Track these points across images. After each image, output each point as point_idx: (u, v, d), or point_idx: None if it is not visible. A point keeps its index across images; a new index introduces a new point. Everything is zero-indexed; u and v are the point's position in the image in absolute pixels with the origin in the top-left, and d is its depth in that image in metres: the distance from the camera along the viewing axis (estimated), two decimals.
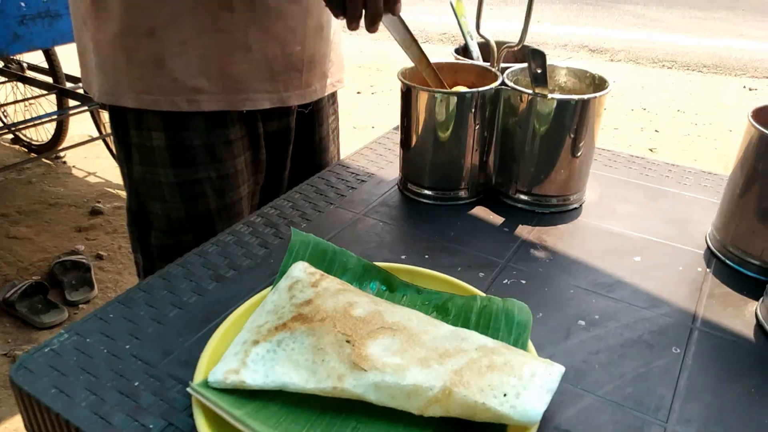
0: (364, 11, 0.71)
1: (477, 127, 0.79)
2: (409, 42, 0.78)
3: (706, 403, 0.52)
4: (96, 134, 2.65)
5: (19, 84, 2.71)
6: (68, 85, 2.55)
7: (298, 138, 1.00)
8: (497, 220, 0.80)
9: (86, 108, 2.35)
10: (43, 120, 2.43)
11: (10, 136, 2.91)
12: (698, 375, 0.55)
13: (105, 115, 2.57)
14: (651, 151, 3.07)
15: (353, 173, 0.91)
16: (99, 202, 2.47)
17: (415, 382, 0.47)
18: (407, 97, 0.80)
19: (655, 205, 0.84)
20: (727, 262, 0.71)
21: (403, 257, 0.71)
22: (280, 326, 0.54)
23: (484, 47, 0.89)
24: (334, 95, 1.06)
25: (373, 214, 0.81)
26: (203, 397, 0.47)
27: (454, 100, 0.77)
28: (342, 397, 0.48)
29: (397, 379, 0.47)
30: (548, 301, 0.64)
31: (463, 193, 0.83)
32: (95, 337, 0.58)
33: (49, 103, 2.76)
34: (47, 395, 0.52)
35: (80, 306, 1.89)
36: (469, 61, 0.87)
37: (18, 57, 2.55)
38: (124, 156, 0.91)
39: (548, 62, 0.74)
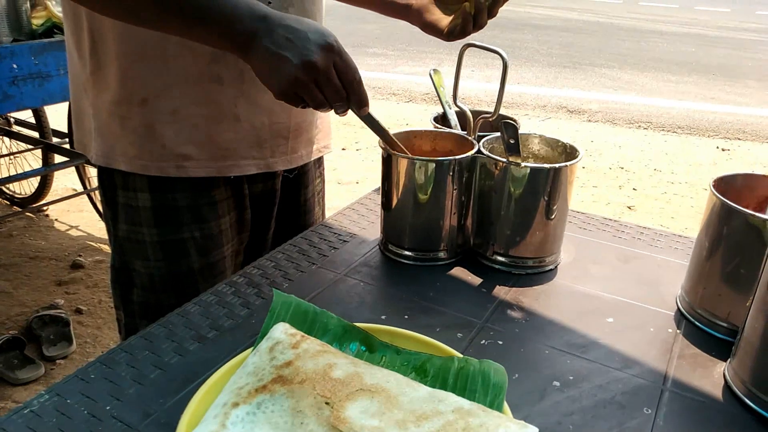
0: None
1: (455, 191, 0.83)
2: (380, 131, 0.81)
3: None
4: (80, 188, 2.66)
5: (5, 138, 2.73)
6: (54, 140, 2.58)
7: (284, 199, 1.02)
8: (475, 280, 0.82)
9: (73, 164, 2.37)
10: (30, 175, 2.45)
11: None
12: None
13: (90, 170, 2.59)
14: (629, 208, 3.14)
15: (335, 233, 0.94)
16: (80, 255, 2.46)
17: None
18: (388, 163, 0.84)
19: (627, 266, 0.87)
20: (696, 323, 0.74)
21: (383, 317, 0.73)
22: (260, 388, 0.54)
23: (462, 116, 0.93)
24: (320, 159, 1.10)
25: (355, 274, 0.82)
26: None
27: (432, 166, 0.80)
28: None
29: None
30: (524, 362, 0.66)
31: (442, 254, 0.86)
32: (76, 397, 0.59)
33: (33, 157, 2.77)
34: None
35: (57, 361, 1.86)
36: (448, 130, 0.91)
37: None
38: (110, 214, 0.93)
39: (522, 131, 0.78)
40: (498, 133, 0.87)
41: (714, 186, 0.71)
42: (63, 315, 1.98)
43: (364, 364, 0.59)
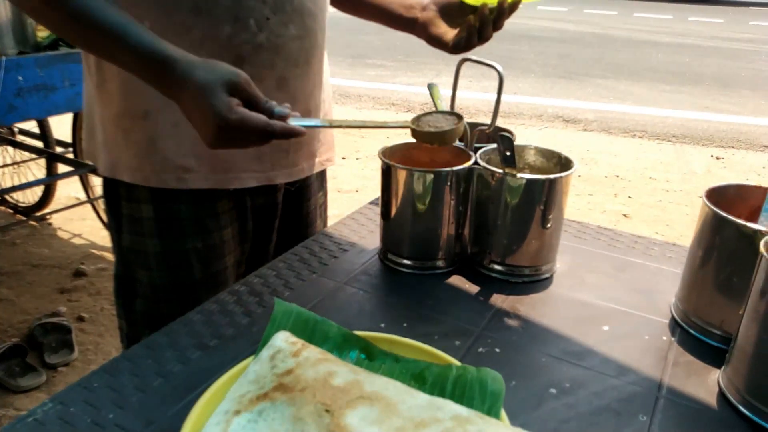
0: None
1: (452, 201, 0.84)
2: (331, 124, 0.80)
3: None
4: (83, 197, 2.67)
5: (9, 147, 2.75)
6: (58, 149, 2.59)
7: (286, 212, 1.03)
8: (473, 289, 0.83)
9: (77, 173, 2.39)
10: (34, 185, 2.46)
11: None
12: None
13: (93, 180, 2.60)
14: (625, 216, 3.16)
15: (336, 242, 0.95)
16: (83, 263, 2.46)
17: None
18: (387, 174, 0.85)
19: (622, 275, 0.88)
20: (690, 331, 0.75)
21: (382, 325, 0.74)
22: (261, 396, 0.55)
23: None
24: (323, 172, 1.11)
25: (354, 283, 0.84)
26: None
27: (430, 177, 0.82)
28: None
29: None
30: (521, 370, 0.67)
31: (440, 263, 0.87)
32: (79, 406, 0.59)
33: (37, 166, 2.78)
34: None
35: (59, 369, 1.86)
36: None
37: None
38: (114, 225, 0.94)
39: (517, 142, 0.79)
40: (495, 145, 0.88)
41: (707, 196, 0.73)
42: (65, 323, 1.98)
43: (363, 372, 0.60)
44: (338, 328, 0.68)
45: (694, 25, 10.40)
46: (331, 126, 0.79)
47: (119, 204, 0.91)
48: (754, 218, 0.74)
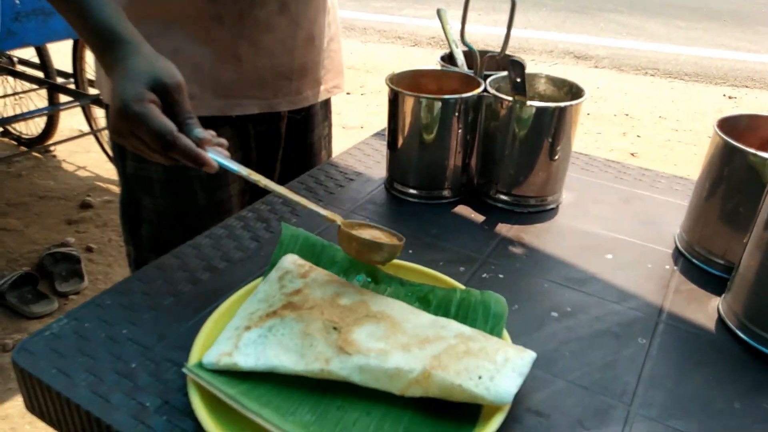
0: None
1: (460, 130, 0.83)
2: (259, 181, 0.65)
3: (668, 389, 0.56)
4: (86, 128, 2.66)
5: (9, 78, 2.71)
6: (59, 80, 2.56)
7: (290, 142, 1.03)
8: (478, 218, 0.84)
9: (78, 104, 2.36)
10: (35, 114, 2.44)
11: (0, 129, 2.91)
12: (662, 364, 0.59)
13: (96, 111, 2.58)
14: (632, 155, 3.13)
15: (342, 172, 0.95)
16: (89, 195, 2.48)
17: (397, 365, 0.51)
18: (394, 102, 0.84)
19: (627, 206, 0.88)
20: (693, 260, 0.76)
21: None
22: (270, 313, 0.57)
23: (469, 55, 0.93)
24: (327, 102, 1.09)
25: (361, 211, 0.84)
26: (198, 377, 0.50)
27: (438, 105, 0.81)
28: (329, 378, 0.51)
29: (380, 363, 0.51)
30: (524, 295, 0.68)
31: (446, 193, 0.87)
32: (93, 322, 0.61)
33: (39, 97, 2.76)
34: (48, 375, 0.55)
35: (70, 297, 1.91)
36: (454, 69, 0.91)
37: (8, 51, 2.56)
38: (118, 152, 0.93)
39: (528, 71, 0.78)
40: (504, 73, 0.87)
41: (718, 126, 0.72)
42: (74, 252, 2.02)
43: (369, 293, 0.61)
44: (344, 253, 0.69)
45: None
46: (248, 177, 0.65)
47: None
48: (765, 148, 0.73)
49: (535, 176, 0.83)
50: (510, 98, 0.79)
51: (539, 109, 0.79)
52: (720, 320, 0.66)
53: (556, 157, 0.83)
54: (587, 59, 4.69)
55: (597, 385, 0.56)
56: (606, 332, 0.63)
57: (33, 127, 2.83)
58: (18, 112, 2.66)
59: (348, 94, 3.83)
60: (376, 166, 0.97)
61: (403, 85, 0.84)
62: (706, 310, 0.68)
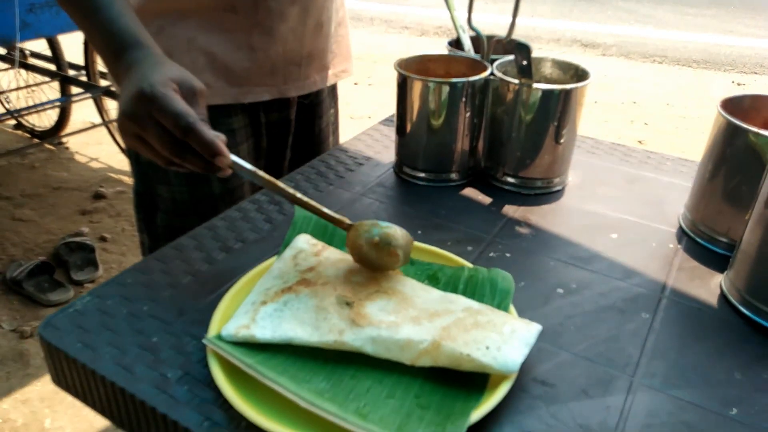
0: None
1: (467, 114, 0.85)
2: (271, 186, 0.64)
3: (670, 360, 0.58)
4: (98, 121, 2.69)
5: (22, 71, 2.75)
6: (71, 72, 2.59)
7: (299, 129, 1.05)
8: (485, 200, 0.85)
9: (90, 95, 2.39)
10: (48, 106, 2.47)
11: (13, 121, 2.94)
12: (664, 337, 0.61)
13: (107, 102, 2.61)
14: (640, 143, 3.13)
15: (351, 157, 0.97)
16: (102, 186, 2.52)
17: (408, 336, 0.53)
18: (403, 86, 0.85)
19: (633, 188, 0.90)
20: (697, 239, 0.77)
21: None
22: (285, 289, 0.59)
23: (476, 40, 0.94)
24: (334, 89, 1.11)
25: (370, 194, 0.86)
26: (218, 347, 0.52)
27: (446, 88, 0.82)
28: (342, 349, 0.53)
29: (391, 334, 0.53)
30: (530, 272, 0.70)
31: (454, 176, 0.89)
32: (115, 299, 0.64)
33: (51, 90, 2.79)
34: (74, 349, 0.57)
35: (85, 285, 1.95)
36: (461, 53, 0.92)
37: (21, 44, 2.59)
38: None
39: (534, 55, 0.79)
40: (511, 57, 0.88)
41: (722, 106, 0.73)
42: (88, 242, 2.05)
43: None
44: None
45: None
46: (255, 177, 0.63)
47: None
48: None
49: (541, 158, 0.85)
50: (516, 81, 0.80)
51: (545, 92, 0.80)
52: (722, 296, 0.67)
53: (562, 139, 0.84)
54: (595, 47, 4.67)
55: (601, 357, 0.58)
56: (610, 308, 0.65)
57: (46, 120, 2.87)
58: (30, 104, 2.70)
59: (356, 84, 3.84)
60: (384, 151, 0.99)
61: (411, 69, 0.86)
62: (708, 286, 0.69)
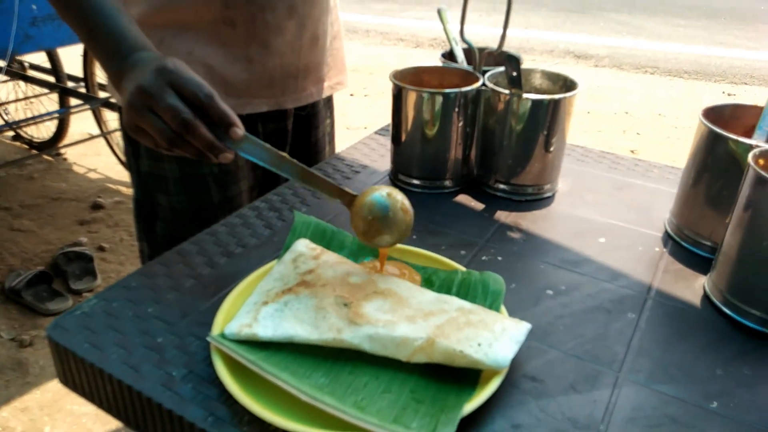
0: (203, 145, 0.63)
1: (460, 123, 0.88)
2: (278, 160, 0.65)
3: (655, 358, 0.61)
4: (96, 132, 2.72)
5: (21, 83, 2.77)
6: (70, 84, 2.62)
7: (296, 139, 1.07)
8: (478, 206, 0.88)
9: (89, 107, 2.42)
10: (46, 118, 2.50)
11: (11, 133, 2.97)
12: (649, 336, 0.64)
13: (106, 114, 2.63)
14: (632, 152, 3.17)
15: (348, 165, 0.99)
16: (100, 197, 2.54)
17: (404, 334, 0.55)
18: (398, 97, 0.88)
19: (620, 194, 0.93)
20: (682, 243, 0.80)
21: None
22: (286, 290, 0.62)
23: (468, 52, 0.97)
24: (330, 100, 1.14)
25: None
26: (222, 344, 0.55)
27: (440, 99, 0.85)
28: (341, 347, 0.56)
29: (388, 332, 0.56)
30: (521, 275, 0.73)
31: (448, 183, 0.92)
32: (121, 302, 0.66)
33: (49, 101, 2.82)
34: (81, 349, 0.59)
35: (84, 294, 1.96)
36: (454, 65, 0.96)
37: (21, 56, 2.62)
38: (132, 151, 0.98)
39: (524, 66, 0.82)
40: (502, 68, 0.91)
41: (703, 115, 0.76)
42: (87, 252, 2.07)
43: (377, 273, 0.66)
44: (353, 238, 0.74)
45: None
46: (264, 150, 0.65)
47: None
48: (748, 136, 0.77)
49: (531, 166, 0.88)
50: (507, 92, 0.84)
51: (535, 102, 0.83)
52: (705, 296, 0.70)
53: (552, 148, 0.87)
54: (587, 58, 4.73)
55: (588, 354, 0.61)
56: (598, 308, 0.68)
57: (44, 131, 2.89)
58: (29, 116, 2.72)
59: (352, 95, 3.88)
60: (380, 159, 1.02)
61: (406, 80, 0.89)
62: (692, 287, 0.72)
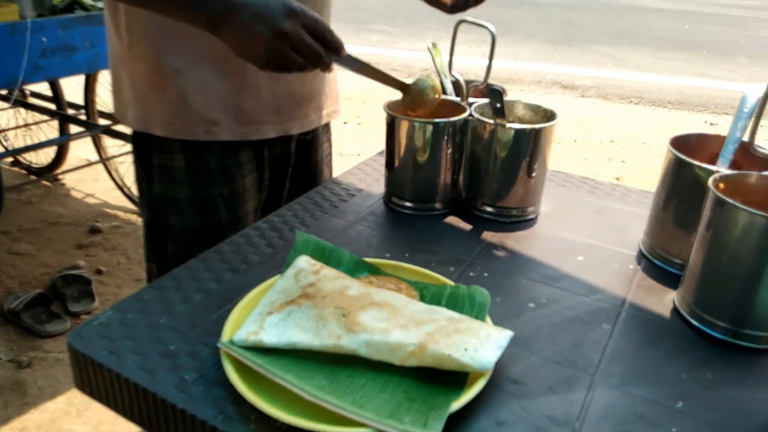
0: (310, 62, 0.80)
1: (449, 150, 0.95)
2: (361, 66, 0.89)
3: (626, 363, 0.66)
4: (93, 158, 2.77)
5: (21, 110, 2.83)
6: (70, 111, 2.68)
7: (297, 161, 1.14)
8: (466, 227, 0.94)
9: (89, 134, 2.48)
10: (47, 144, 2.56)
11: (10, 158, 3.01)
12: (622, 344, 0.70)
13: (105, 141, 2.69)
14: (617, 179, 3.26)
15: (344, 189, 1.06)
16: (97, 221, 2.58)
17: (398, 340, 0.61)
18: (391, 125, 0.95)
19: (599, 216, 0.99)
20: (654, 261, 0.86)
21: (387, 255, 0.85)
22: (289, 302, 0.67)
23: (456, 85, 1.05)
24: (327, 125, 1.21)
25: (362, 222, 0.95)
26: (231, 349, 0.60)
27: (430, 128, 0.92)
28: (340, 352, 0.61)
29: (383, 338, 0.61)
30: (505, 289, 0.78)
31: (438, 205, 0.98)
32: (135, 313, 0.71)
33: (49, 128, 2.87)
34: (100, 355, 0.64)
35: (82, 317, 1.99)
36: (443, 97, 1.03)
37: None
38: (144, 175, 1.03)
39: (508, 98, 0.90)
40: (487, 100, 0.98)
41: (671, 143, 0.84)
42: (85, 275, 2.11)
43: (372, 287, 0.71)
44: (350, 255, 0.79)
45: None
46: (360, 65, 0.88)
47: (150, 155, 1.01)
48: (713, 164, 0.85)
49: (515, 190, 0.95)
50: (492, 122, 0.91)
51: (517, 131, 0.90)
52: (675, 309, 0.76)
53: (534, 173, 0.94)
54: (574, 89, 4.87)
55: (566, 360, 0.66)
56: (575, 319, 0.73)
57: (43, 157, 2.95)
58: (28, 142, 2.77)
59: (345, 123, 3.97)
60: (375, 183, 1.08)
61: (398, 111, 0.96)
62: (663, 301, 0.78)
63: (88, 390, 0.67)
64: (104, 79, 2.56)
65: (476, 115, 0.94)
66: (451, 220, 0.96)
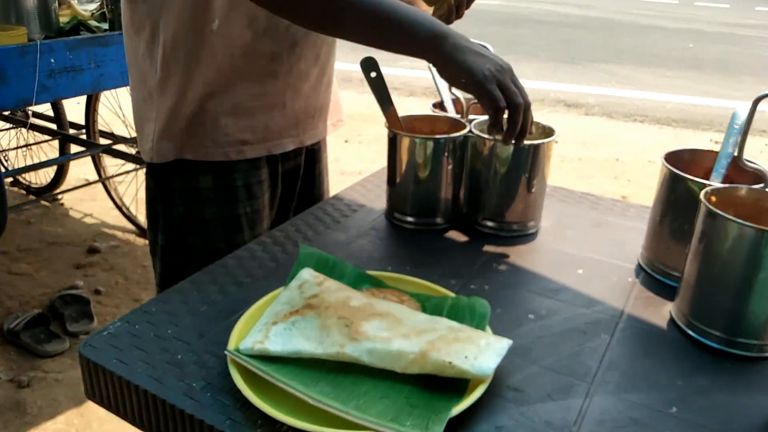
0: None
1: (450, 166, 0.97)
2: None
3: (622, 371, 0.68)
4: (92, 177, 2.80)
5: (23, 130, 2.87)
6: (71, 131, 2.72)
7: (305, 171, 1.17)
8: (467, 241, 0.96)
9: (90, 153, 2.51)
10: (48, 164, 2.59)
11: (10, 179, 3.05)
12: (619, 353, 0.71)
13: (105, 160, 2.72)
14: (623, 197, 3.28)
15: (347, 204, 1.08)
16: (96, 241, 2.61)
17: (399, 348, 0.63)
18: (393, 142, 0.98)
19: (599, 231, 1.01)
20: (652, 273, 0.88)
21: (389, 269, 0.87)
22: (293, 312, 0.69)
23: (457, 102, 1.08)
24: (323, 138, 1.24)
25: (364, 236, 0.97)
26: (237, 357, 0.62)
27: (431, 144, 0.95)
28: (343, 360, 0.63)
29: (385, 346, 0.63)
30: (506, 301, 0.80)
31: (439, 220, 1.00)
32: (142, 325, 0.73)
33: (49, 147, 2.90)
34: (110, 364, 0.66)
35: (80, 336, 2.01)
36: (444, 114, 1.06)
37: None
38: (161, 198, 1.03)
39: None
40: (486, 117, 1.01)
41: (665, 159, 0.86)
42: (83, 295, 2.13)
43: (374, 298, 0.73)
44: (353, 268, 0.81)
45: (700, 10, 10.42)
46: None
47: (170, 179, 1.01)
48: (707, 179, 0.86)
49: (516, 205, 0.97)
50: (491, 138, 0.93)
51: (517, 148, 0.92)
52: (672, 320, 0.78)
53: (533, 188, 0.96)
54: (578, 107, 4.91)
55: (565, 368, 0.68)
56: (574, 330, 0.75)
57: (42, 177, 2.98)
58: (29, 161, 2.80)
59: (346, 141, 4.01)
60: (377, 199, 1.10)
61: (399, 127, 0.98)
62: (660, 313, 0.80)
63: (98, 398, 0.69)
64: (105, 99, 2.60)
65: (476, 132, 0.96)
66: (453, 234, 0.98)
